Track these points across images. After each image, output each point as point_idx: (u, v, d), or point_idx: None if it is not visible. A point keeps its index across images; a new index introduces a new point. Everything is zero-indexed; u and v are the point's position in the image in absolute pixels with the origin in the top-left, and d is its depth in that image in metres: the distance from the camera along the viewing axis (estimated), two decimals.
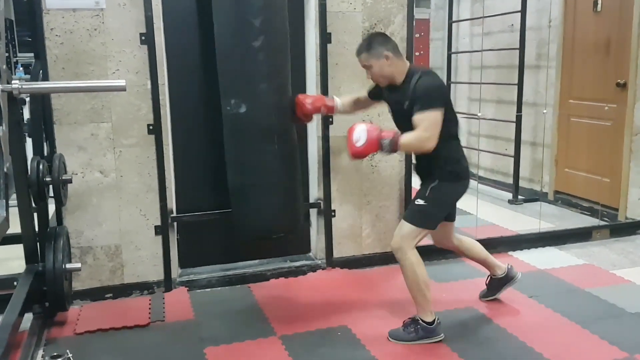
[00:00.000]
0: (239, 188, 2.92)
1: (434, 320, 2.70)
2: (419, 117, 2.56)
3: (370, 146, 2.57)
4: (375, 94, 2.94)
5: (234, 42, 2.80)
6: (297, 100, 2.96)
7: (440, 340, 2.70)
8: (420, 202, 2.72)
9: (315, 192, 3.63)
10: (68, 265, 2.83)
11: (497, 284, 3.11)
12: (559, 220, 4.57)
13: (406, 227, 2.71)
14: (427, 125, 2.55)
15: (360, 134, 2.57)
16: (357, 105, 3.07)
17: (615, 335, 2.73)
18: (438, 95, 2.62)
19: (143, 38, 3.07)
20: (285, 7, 2.93)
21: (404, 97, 2.66)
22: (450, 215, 2.90)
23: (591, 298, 3.19)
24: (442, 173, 2.71)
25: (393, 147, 2.56)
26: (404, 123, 2.66)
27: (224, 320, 2.98)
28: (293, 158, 2.98)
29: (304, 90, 3.57)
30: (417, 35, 6.82)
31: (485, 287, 3.17)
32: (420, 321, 2.70)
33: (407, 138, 2.57)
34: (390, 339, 2.73)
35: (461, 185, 2.78)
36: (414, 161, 2.95)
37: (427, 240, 3.88)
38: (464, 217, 4.75)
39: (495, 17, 5.33)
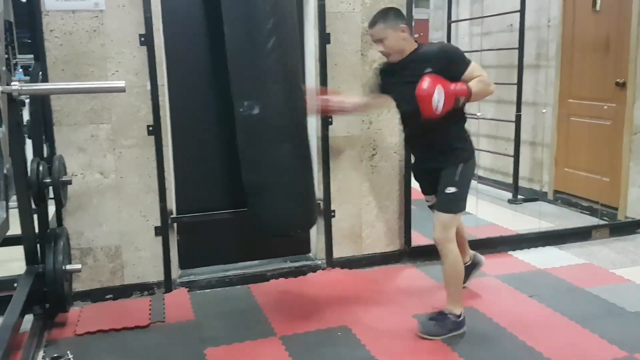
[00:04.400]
0: (255, 187, 2.93)
1: (461, 313, 2.77)
2: (469, 71, 2.61)
3: (448, 105, 2.53)
4: (380, 85, 2.93)
5: (246, 44, 2.82)
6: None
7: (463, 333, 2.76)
8: (451, 189, 2.70)
9: (315, 192, 3.63)
10: (68, 267, 2.83)
11: (465, 271, 3.17)
12: (558, 220, 4.57)
13: (445, 217, 2.74)
14: (480, 72, 2.63)
15: (440, 97, 2.50)
16: (371, 104, 3.13)
17: (615, 334, 2.73)
18: (463, 53, 2.72)
19: (142, 39, 3.07)
20: (295, 8, 2.95)
21: (423, 64, 2.62)
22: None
23: (591, 297, 3.19)
24: (462, 155, 2.73)
25: (467, 101, 2.59)
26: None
27: (224, 321, 2.98)
28: (306, 157, 3.02)
29: None
30: (417, 36, 6.79)
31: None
32: (450, 315, 2.75)
33: (475, 85, 2.59)
34: (422, 334, 2.73)
35: (474, 162, 2.83)
36: (413, 159, 3.00)
37: (428, 241, 3.89)
38: (464, 217, 4.75)
39: (495, 17, 5.34)
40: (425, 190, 2.99)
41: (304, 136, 3.02)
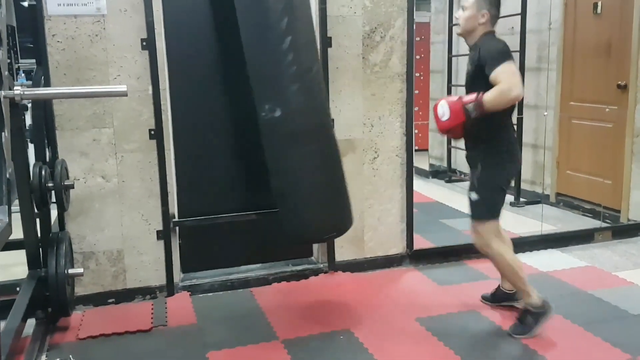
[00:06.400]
0: (280, 193, 2.87)
1: (540, 299, 2.76)
2: (494, 75, 2.50)
3: (456, 116, 2.56)
4: None
5: (261, 47, 2.78)
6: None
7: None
8: (474, 197, 2.76)
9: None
10: (70, 271, 2.84)
11: (502, 296, 3.08)
12: (561, 223, 4.57)
13: (474, 222, 2.79)
14: (503, 78, 2.49)
15: (444, 109, 2.59)
16: None
17: (618, 337, 2.73)
18: (504, 53, 2.58)
19: (144, 43, 3.07)
20: (309, 5, 2.91)
21: (472, 60, 2.70)
22: None
23: (594, 300, 3.18)
24: (486, 160, 2.73)
25: (479, 109, 2.52)
26: (471, 87, 2.68)
27: (226, 325, 2.98)
28: (333, 155, 2.94)
29: None
30: (418, 39, 6.81)
31: (490, 293, 3.15)
32: (530, 308, 2.75)
33: (489, 95, 2.50)
34: (514, 336, 2.74)
35: (506, 170, 2.76)
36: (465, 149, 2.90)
37: (430, 244, 3.89)
38: (466, 220, 4.74)
39: None
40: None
41: (329, 136, 2.92)
